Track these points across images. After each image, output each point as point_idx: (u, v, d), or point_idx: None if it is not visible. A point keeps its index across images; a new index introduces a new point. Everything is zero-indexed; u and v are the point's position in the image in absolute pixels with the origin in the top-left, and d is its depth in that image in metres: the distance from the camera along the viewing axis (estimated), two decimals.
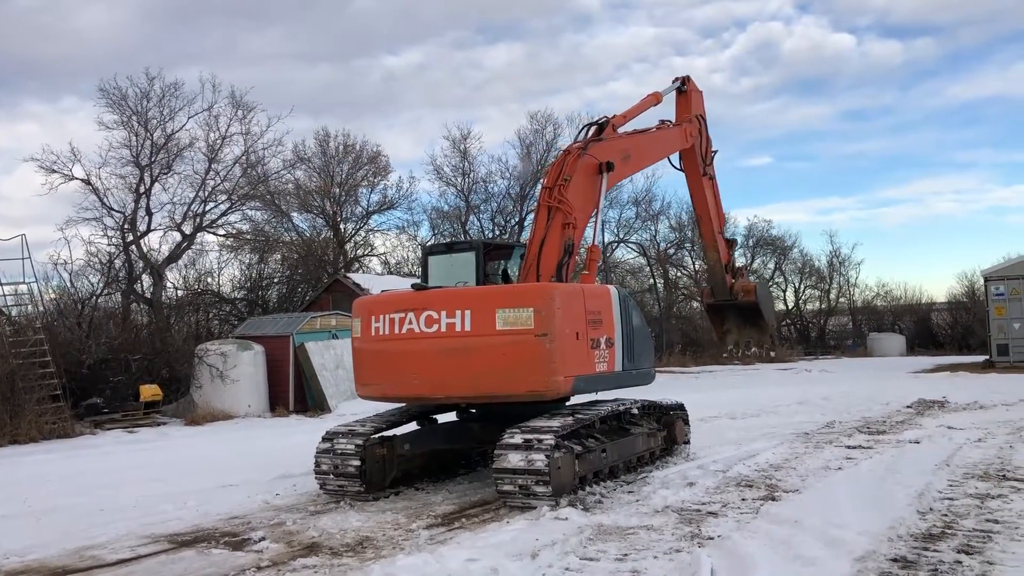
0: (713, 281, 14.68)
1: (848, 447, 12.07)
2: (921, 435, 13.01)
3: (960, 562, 6.26)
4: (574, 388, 9.20)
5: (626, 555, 6.70)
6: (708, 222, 14.12)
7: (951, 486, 9.01)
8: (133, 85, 27.83)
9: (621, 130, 11.79)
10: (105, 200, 27.62)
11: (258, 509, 9.24)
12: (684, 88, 13.67)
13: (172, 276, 30.54)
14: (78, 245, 33.23)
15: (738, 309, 14.72)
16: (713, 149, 14.13)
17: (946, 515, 7.71)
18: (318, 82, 66.39)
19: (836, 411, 17.09)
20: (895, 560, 6.33)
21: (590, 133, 11.26)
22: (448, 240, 32.21)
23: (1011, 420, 14.56)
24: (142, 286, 28.82)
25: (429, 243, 34.82)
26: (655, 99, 12.95)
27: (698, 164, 13.67)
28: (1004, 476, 9.49)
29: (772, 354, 15.23)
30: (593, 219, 10.85)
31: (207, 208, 29.57)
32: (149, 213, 28.40)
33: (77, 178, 27.15)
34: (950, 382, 24.11)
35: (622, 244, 44.81)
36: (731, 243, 14.98)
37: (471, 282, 10.41)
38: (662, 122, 13.03)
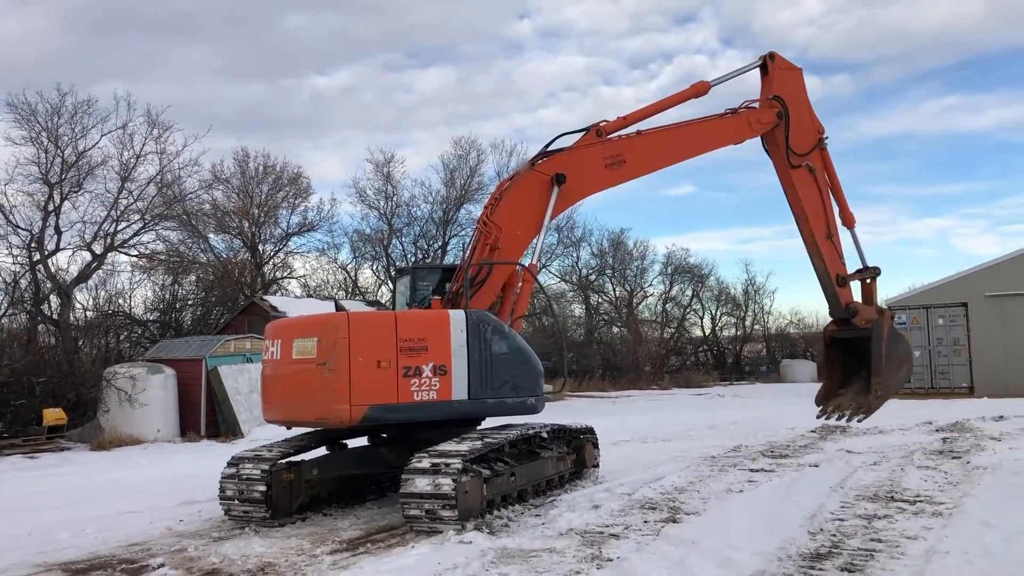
0: (825, 297, 12.31)
1: (751, 470, 12.43)
2: (821, 459, 13.47)
3: None
4: (367, 417, 8.96)
5: None
6: (804, 222, 12.01)
7: (843, 507, 9.38)
8: (43, 100, 26.99)
9: (632, 128, 10.98)
10: (11, 218, 26.55)
11: (160, 536, 9.08)
12: (768, 67, 11.81)
13: (81, 297, 29.59)
14: None
15: (864, 365, 11.73)
16: (823, 135, 12.14)
17: (835, 535, 8.05)
18: (245, 101, 65.66)
19: (744, 436, 17.54)
20: None
21: (550, 146, 10.60)
22: (408, 265, 33.76)
23: (906, 444, 15.17)
24: (50, 307, 27.84)
25: (399, 266, 36.87)
26: (695, 91, 11.45)
27: (782, 153, 11.84)
28: (892, 497, 9.91)
29: (859, 422, 12.15)
30: (540, 235, 10.41)
31: (119, 228, 28.80)
32: (58, 232, 27.46)
33: None
34: None
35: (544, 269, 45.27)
36: (872, 272, 12.35)
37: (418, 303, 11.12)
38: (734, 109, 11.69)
